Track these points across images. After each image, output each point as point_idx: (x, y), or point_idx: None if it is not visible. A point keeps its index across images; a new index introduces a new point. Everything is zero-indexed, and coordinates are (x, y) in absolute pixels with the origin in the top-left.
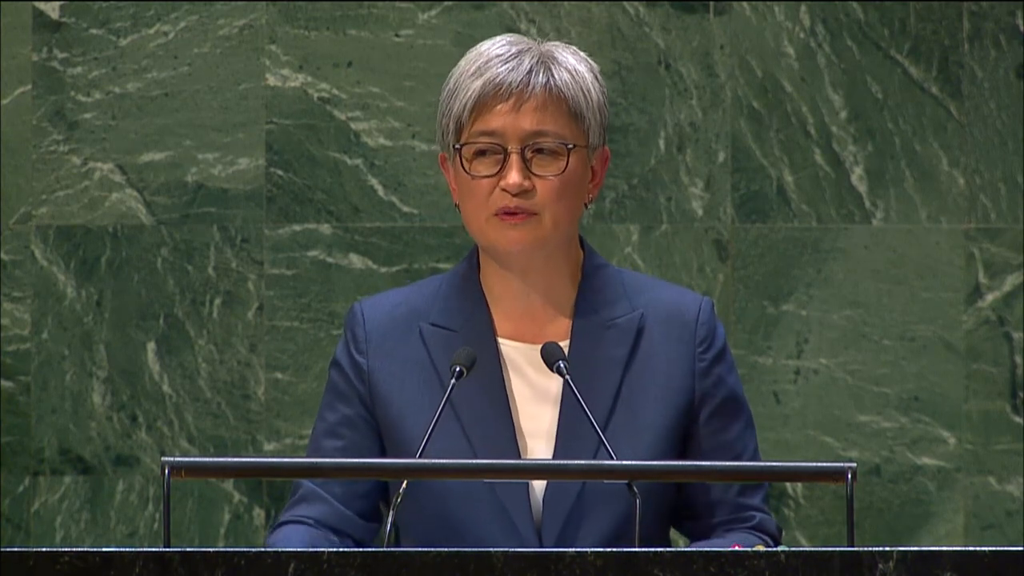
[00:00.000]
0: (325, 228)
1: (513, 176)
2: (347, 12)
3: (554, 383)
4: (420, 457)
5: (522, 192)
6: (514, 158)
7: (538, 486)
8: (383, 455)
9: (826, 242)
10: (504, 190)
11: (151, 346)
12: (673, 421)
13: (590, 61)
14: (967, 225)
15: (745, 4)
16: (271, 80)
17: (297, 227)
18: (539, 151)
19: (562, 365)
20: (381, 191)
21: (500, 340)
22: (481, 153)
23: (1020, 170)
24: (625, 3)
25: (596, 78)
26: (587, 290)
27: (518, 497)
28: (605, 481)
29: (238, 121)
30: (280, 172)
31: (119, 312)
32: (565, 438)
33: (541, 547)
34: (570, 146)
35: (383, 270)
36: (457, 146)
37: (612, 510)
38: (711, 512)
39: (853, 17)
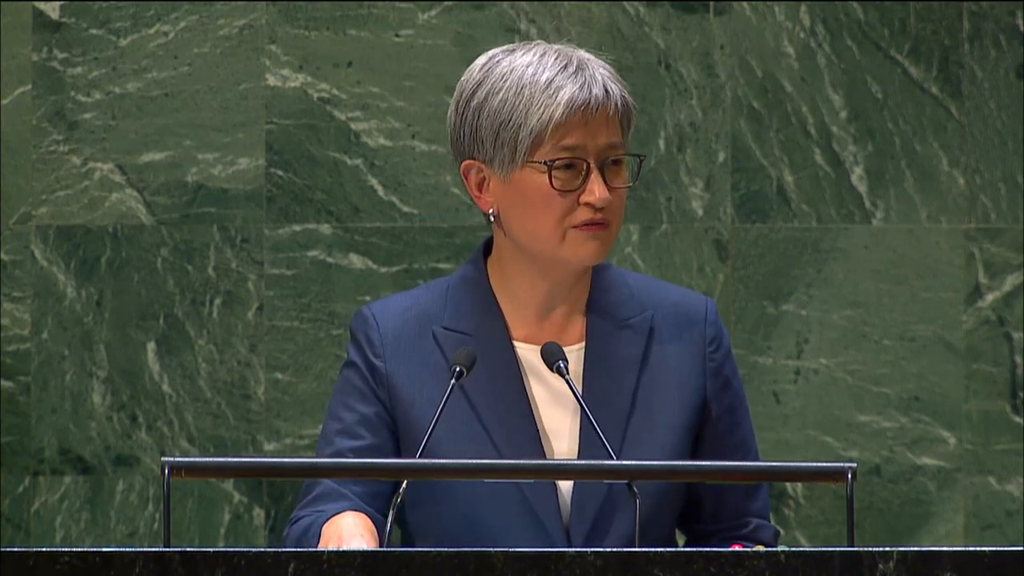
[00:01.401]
0: (325, 228)
1: (600, 191)
2: (347, 12)
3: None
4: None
5: (604, 206)
6: (596, 173)
7: (565, 488)
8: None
9: (826, 242)
10: (588, 204)
11: (151, 346)
12: (688, 421)
13: None
14: (967, 225)
15: (745, 4)
16: (271, 80)
17: (297, 227)
18: (611, 163)
19: (561, 365)
20: (381, 191)
21: (516, 343)
22: (564, 168)
23: (1020, 170)
24: (625, 3)
25: None
26: (597, 291)
27: (546, 498)
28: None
29: (238, 121)
30: (280, 172)
31: (119, 312)
32: (589, 438)
33: (570, 548)
34: (641, 156)
35: (383, 270)
36: (548, 162)
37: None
38: (713, 516)
39: (853, 17)
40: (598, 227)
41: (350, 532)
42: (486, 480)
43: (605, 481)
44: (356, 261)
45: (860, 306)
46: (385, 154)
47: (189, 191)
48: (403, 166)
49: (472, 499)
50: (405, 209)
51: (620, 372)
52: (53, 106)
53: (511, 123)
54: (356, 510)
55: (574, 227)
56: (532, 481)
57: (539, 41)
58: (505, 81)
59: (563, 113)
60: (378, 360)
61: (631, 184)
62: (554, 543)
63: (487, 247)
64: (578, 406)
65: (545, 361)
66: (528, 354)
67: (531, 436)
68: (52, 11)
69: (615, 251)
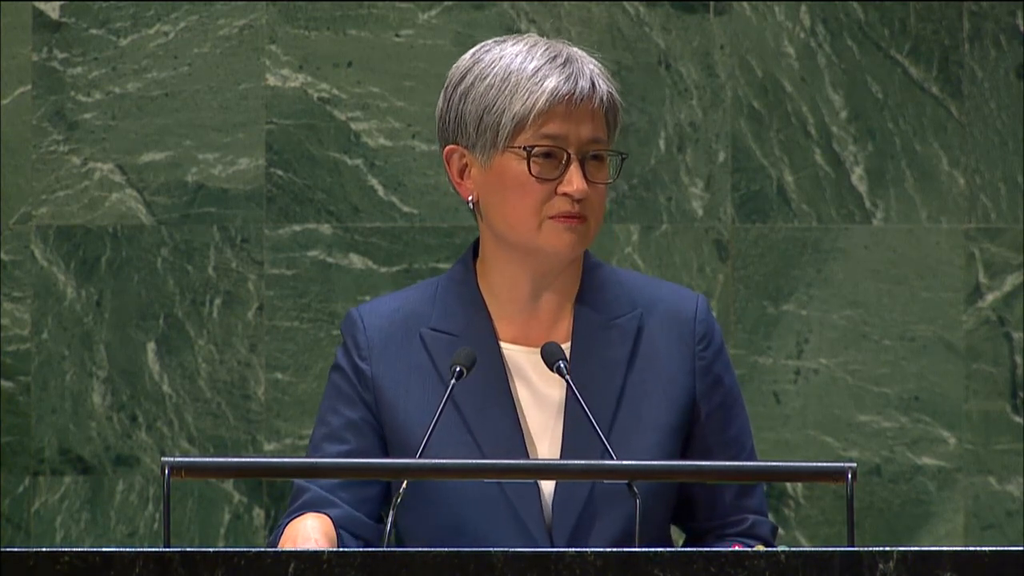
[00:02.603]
0: (325, 228)
1: (578, 182)
2: (347, 12)
3: (558, 385)
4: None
5: (582, 198)
6: (576, 164)
7: (547, 489)
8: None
9: (826, 242)
10: (566, 195)
11: (151, 346)
12: (677, 420)
13: None
14: (967, 225)
15: (745, 4)
16: (271, 80)
17: (297, 227)
18: (593, 157)
19: (562, 365)
20: (381, 191)
21: (502, 344)
22: (544, 156)
23: (1020, 170)
24: (625, 3)
25: None
26: (587, 290)
27: (528, 500)
28: (606, 482)
29: (238, 121)
30: (280, 172)
31: (119, 312)
32: (572, 440)
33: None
34: (624, 155)
35: (383, 270)
36: (527, 148)
37: (623, 511)
38: (708, 514)
39: (853, 17)
40: (576, 220)
41: (304, 536)
42: (471, 481)
43: (605, 481)
44: (356, 261)
45: (860, 306)
46: (385, 154)
47: (189, 191)
48: (403, 166)
49: (457, 501)
50: (405, 209)
51: (607, 372)
52: (53, 106)
53: (495, 108)
54: (343, 517)
55: (551, 217)
56: (513, 482)
57: (531, 33)
58: (493, 68)
59: (547, 101)
60: (364, 363)
61: (611, 181)
62: (538, 545)
63: (476, 247)
64: (562, 408)
65: (545, 361)
66: (514, 355)
67: (516, 438)
68: (52, 11)
69: (615, 251)
